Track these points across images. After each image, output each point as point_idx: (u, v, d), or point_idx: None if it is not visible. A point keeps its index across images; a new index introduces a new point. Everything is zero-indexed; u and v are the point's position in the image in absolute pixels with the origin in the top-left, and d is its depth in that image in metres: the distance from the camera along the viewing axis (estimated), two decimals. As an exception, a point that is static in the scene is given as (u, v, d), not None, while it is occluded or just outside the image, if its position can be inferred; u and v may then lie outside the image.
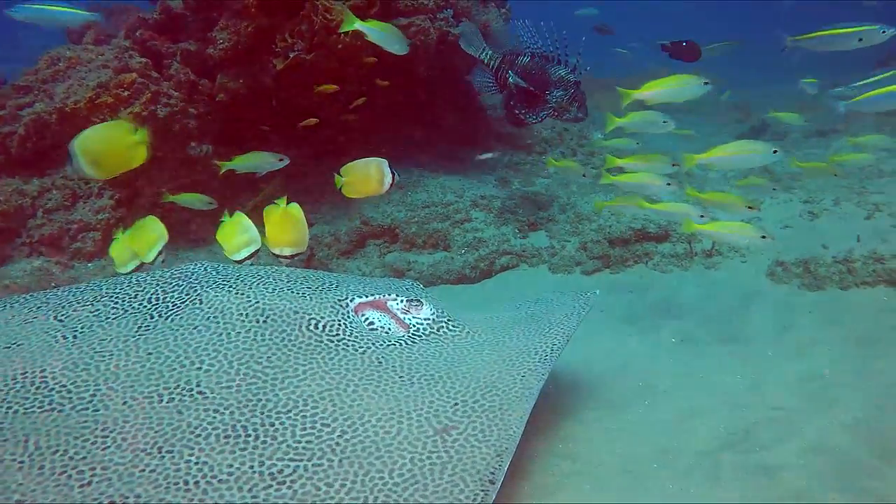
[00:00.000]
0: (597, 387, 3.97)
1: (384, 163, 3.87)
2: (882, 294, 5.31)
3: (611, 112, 5.82)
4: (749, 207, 4.98)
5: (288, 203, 3.66)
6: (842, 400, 3.61)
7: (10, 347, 2.87)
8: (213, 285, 3.25)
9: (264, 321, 3.01)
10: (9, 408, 2.54)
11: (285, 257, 3.64)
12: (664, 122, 5.50)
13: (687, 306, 5.42)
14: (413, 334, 3.21)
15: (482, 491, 2.33)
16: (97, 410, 2.55)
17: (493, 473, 2.42)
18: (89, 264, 5.68)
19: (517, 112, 6.89)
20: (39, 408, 2.55)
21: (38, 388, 2.63)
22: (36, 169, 6.00)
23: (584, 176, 6.46)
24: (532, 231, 7.17)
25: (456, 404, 2.73)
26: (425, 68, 7.40)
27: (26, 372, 2.71)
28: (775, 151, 4.65)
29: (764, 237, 4.50)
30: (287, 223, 3.59)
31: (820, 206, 7.13)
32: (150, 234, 3.71)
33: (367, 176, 3.85)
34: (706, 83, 4.98)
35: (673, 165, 5.41)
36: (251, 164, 5.04)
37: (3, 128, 5.94)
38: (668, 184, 5.20)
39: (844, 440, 3.16)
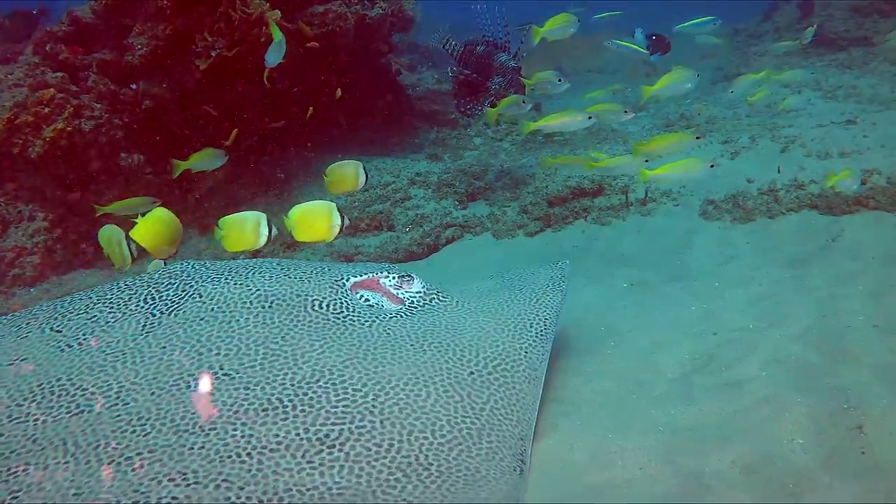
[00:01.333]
0: (564, 336, 4.15)
1: (332, 207, 3.78)
2: (807, 217, 5.69)
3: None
4: (697, 137, 5.32)
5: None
6: (789, 315, 3.91)
7: (13, 364, 2.86)
8: (209, 279, 3.27)
9: (269, 306, 3.06)
10: (35, 420, 2.53)
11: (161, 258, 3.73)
12: (559, 80, 6.05)
13: (631, 253, 5.68)
14: (409, 307, 3.31)
15: (518, 461, 2.47)
16: (127, 404, 2.56)
17: (522, 441, 2.56)
18: (31, 290, 5.53)
19: (462, 107, 7.11)
20: (67, 413, 2.55)
21: (59, 396, 2.63)
22: (-41, 198, 5.78)
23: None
24: (471, 202, 7.33)
25: (472, 373, 2.85)
26: (345, 54, 7.42)
27: (42, 384, 2.69)
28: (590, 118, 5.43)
29: (712, 165, 4.78)
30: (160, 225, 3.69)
31: (738, 144, 7.51)
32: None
33: (315, 220, 3.83)
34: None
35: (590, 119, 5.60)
36: (202, 162, 5.04)
37: (-84, 161, 5.69)
38: (590, 117, 5.51)
39: (797, 349, 3.44)
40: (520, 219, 6.77)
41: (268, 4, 5.79)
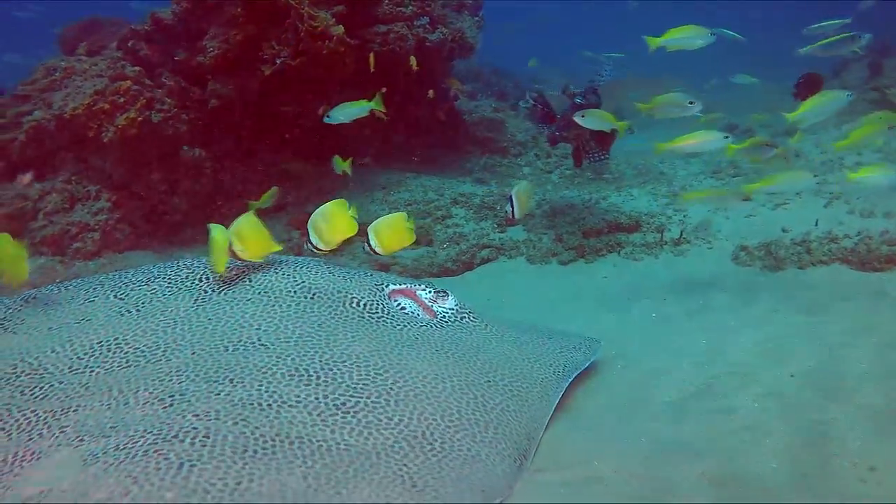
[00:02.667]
0: (574, 355, 4.30)
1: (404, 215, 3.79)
2: (837, 271, 5.72)
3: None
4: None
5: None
6: (794, 357, 3.99)
7: (80, 323, 3.23)
8: (259, 268, 3.59)
9: (311, 297, 3.36)
10: (91, 371, 2.87)
11: (317, 249, 3.71)
12: (690, 103, 5.40)
13: (656, 288, 5.79)
14: (440, 320, 3.56)
15: (520, 455, 2.66)
16: (169, 360, 2.88)
17: (528, 441, 2.76)
18: (90, 263, 5.94)
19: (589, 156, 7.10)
20: (118, 366, 2.88)
21: (114, 353, 2.98)
22: (35, 173, 6.25)
23: (690, 104, 5.42)
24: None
25: (489, 382, 3.07)
26: (404, 74, 7.77)
27: (101, 341, 3.05)
28: (727, 137, 5.03)
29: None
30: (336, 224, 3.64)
31: (782, 196, 7.56)
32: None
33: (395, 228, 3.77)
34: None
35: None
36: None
37: (5, 135, 6.20)
38: (726, 136, 5.15)
39: (793, 386, 3.53)
40: (554, 247, 6.95)
41: (333, 20, 6.16)
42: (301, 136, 7.09)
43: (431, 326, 3.49)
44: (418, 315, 3.57)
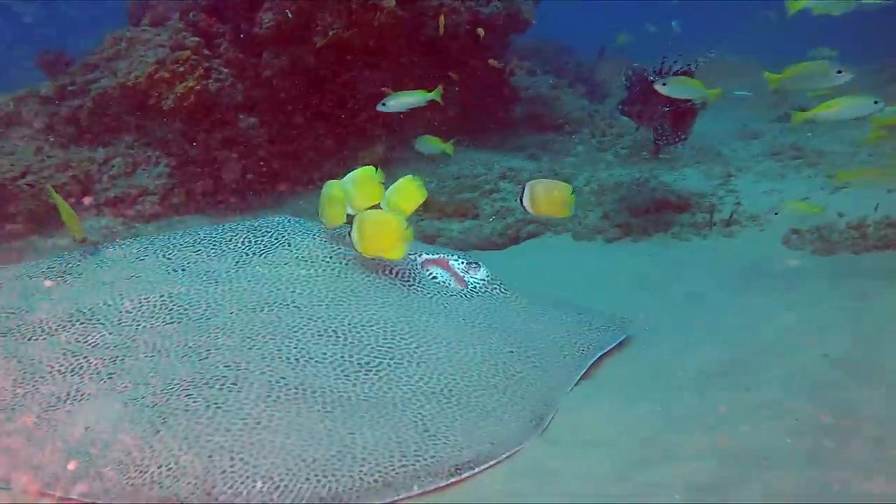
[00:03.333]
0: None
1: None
2: (891, 257, 5.55)
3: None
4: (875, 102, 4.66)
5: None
6: (830, 340, 3.90)
7: (130, 279, 3.45)
8: (299, 233, 3.75)
9: (346, 264, 3.52)
10: (138, 324, 3.08)
11: None
12: (839, 72, 4.68)
13: (700, 268, 5.73)
14: (471, 290, 3.65)
15: (537, 417, 2.74)
16: (209, 318, 3.08)
17: (546, 407, 2.83)
18: (149, 225, 6.23)
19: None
20: (163, 322, 3.10)
21: (159, 308, 3.19)
22: (101, 139, 6.57)
23: (839, 73, 4.68)
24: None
25: (511, 352, 3.16)
26: (458, 48, 7.79)
27: (149, 297, 3.27)
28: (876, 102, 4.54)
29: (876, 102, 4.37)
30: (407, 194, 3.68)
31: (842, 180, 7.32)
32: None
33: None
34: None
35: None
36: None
37: (74, 101, 6.52)
38: (876, 101, 4.59)
39: (824, 366, 3.47)
40: (601, 224, 6.92)
41: (385, -8, 6.24)
42: (353, 108, 7.22)
43: (461, 296, 3.58)
44: (449, 284, 3.66)
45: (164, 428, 2.30)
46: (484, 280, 3.78)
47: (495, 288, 3.76)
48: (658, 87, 5.43)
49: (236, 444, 2.22)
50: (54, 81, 6.60)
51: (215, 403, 2.42)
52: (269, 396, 2.49)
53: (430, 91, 5.70)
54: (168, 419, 2.35)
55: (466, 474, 2.31)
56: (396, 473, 2.18)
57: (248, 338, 2.89)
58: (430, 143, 6.04)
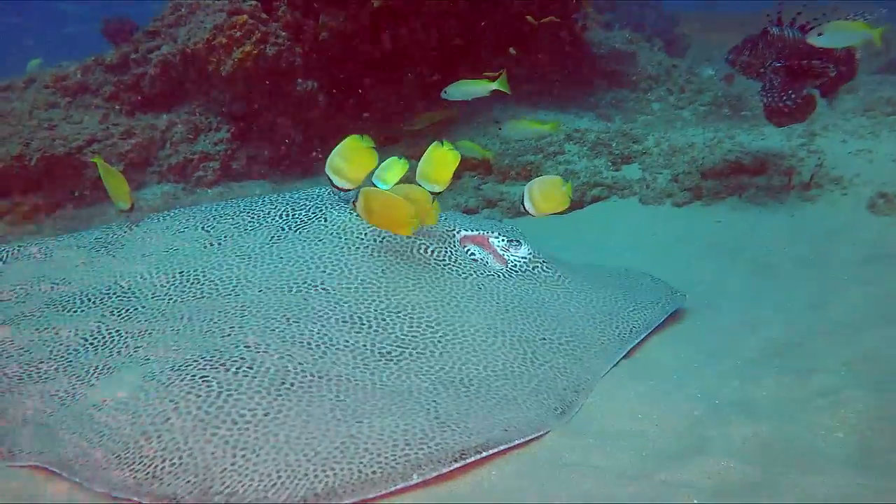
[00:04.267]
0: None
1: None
2: None
3: None
4: None
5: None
6: (908, 319, 3.59)
7: (168, 252, 3.49)
8: (337, 206, 3.68)
9: (380, 241, 3.42)
10: (170, 298, 3.11)
11: (433, 193, 3.54)
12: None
13: (772, 236, 5.37)
14: (510, 269, 3.51)
15: (563, 405, 2.61)
16: (238, 295, 3.06)
17: (573, 394, 2.69)
18: (209, 190, 6.31)
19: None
20: (193, 297, 3.10)
21: (191, 283, 3.20)
22: (164, 105, 6.67)
23: None
24: (625, 164, 7.21)
25: (543, 339, 3.01)
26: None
27: (183, 271, 3.29)
28: None
29: None
30: (440, 161, 3.57)
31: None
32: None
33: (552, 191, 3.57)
34: None
35: None
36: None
37: (137, 69, 6.63)
38: None
39: (894, 352, 3.18)
40: (670, 187, 6.59)
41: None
42: (413, 69, 7.08)
43: (498, 276, 3.43)
44: (488, 262, 3.51)
45: (174, 415, 2.29)
46: (525, 258, 3.60)
47: (537, 266, 3.58)
48: (813, 39, 4.80)
49: (241, 439, 2.18)
50: (118, 49, 6.72)
51: (227, 390, 2.39)
52: (284, 383, 2.44)
53: (492, 80, 5.44)
54: (180, 405, 2.33)
55: (473, 458, 2.20)
56: (397, 463, 2.10)
57: (273, 319, 2.85)
58: (468, 86, 5.63)
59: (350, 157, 3.33)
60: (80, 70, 6.52)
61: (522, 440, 2.36)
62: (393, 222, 3.18)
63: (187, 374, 2.48)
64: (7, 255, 3.59)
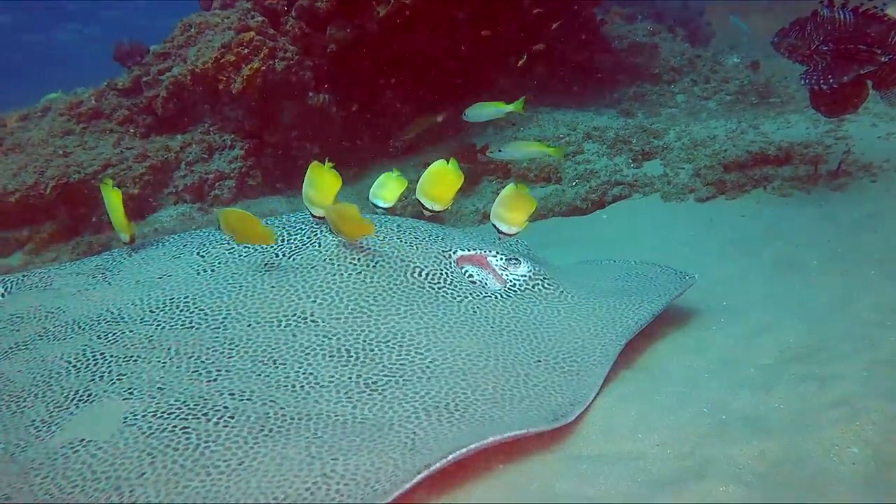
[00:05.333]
0: (681, 307, 3.96)
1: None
2: None
3: None
4: None
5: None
6: (938, 318, 3.38)
7: (162, 278, 3.45)
8: (332, 231, 3.62)
9: (374, 266, 3.34)
10: (158, 325, 3.06)
11: (432, 212, 3.65)
12: None
13: (798, 228, 5.15)
14: (508, 289, 3.41)
15: (555, 416, 2.51)
16: (226, 329, 2.99)
17: (566, 410, 2.59)
18: (226, 209, 6.33)
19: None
20: (181, 325, 3.04)
21: (181, 311, 3.14)
22: (178, 126, 6.71)
23: None
24: (646, 160, 7.04)
25: (538, 361, 2.90)
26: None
27: (174, 298, 3.24)
28: None
29: None
30: (442, 180, 3.58)
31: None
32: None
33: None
34: None
35: None
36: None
37: (150, 91, 6.69)
38: None
39: (920, 354, 2.99)
40: (692, 182, 6.40)
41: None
42: (426, 77, 7.00)
43: (495, 297, 3.32)
44: (486, 283, 3.41)
45: (150, 469, 2.23)
46: (525, 276, 3.49)
47: (537, 284, 3.46)
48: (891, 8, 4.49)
49: (212, 490, 2.12)
50: (129, 73, 6.79)
51: (206, 441, 2.33)
52: (262, 430, 2.37)
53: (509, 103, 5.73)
54: (157, 459, 2.28)
55: (437, 466, 2.10)
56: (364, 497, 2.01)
57: (261, 361, 2.78)
58: (486, 108, 5.79)
59: (316, 184, 3.34)
60: (94, 96, 6.60)
61: (499, 438, 2.25)
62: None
63: (169, 425, 2.42)
64: (11, 286, 3.60)
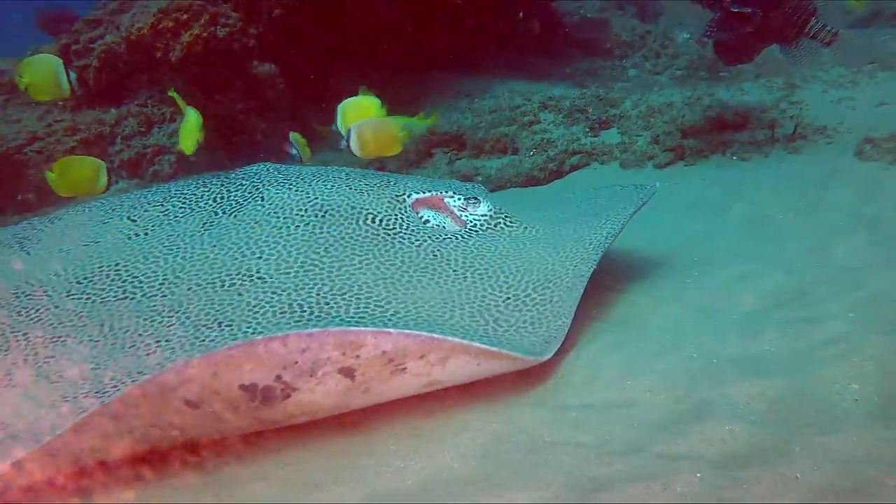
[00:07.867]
0: (653, 263, 3.83)
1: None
2: None
3: None
4: None
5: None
6: (913, 260, 3.31)
7: (87, 245, 3.10)
8: (275, 183, 3.34)
9: (322, 216, 3.08)
10: (87, 298, 2.74)
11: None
12: None
13: (760, 188, 5.09)
14: (469, 230, 3.20)
15: (530, 353, 2.33)
16: (164, 296, 2.70)
17: (544, 345, 2.41)
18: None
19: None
20: (114, 297, 2.73)
21: (112, 280, 2.82)
22: (112, 99, 6.29)
23: None
24: (604, 129, 6.91)
25: (508, 298, 2.72)
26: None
27: (102, 267, 2.91)
28: None
29: None
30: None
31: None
32: None
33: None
34: None
35: None
36: None
37: (79, 62, 6.25)
38: None
39: (906, 293, 2.90)
40: (650, 149, 6.29)
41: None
42: (378, 45, 6.74)
43: (456, 239, 3.11)
44: (444, 226, 3.20)
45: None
46: (486, 216, 3.28)
47: (499, 222, 3.26)
48: None
49: None
50: (57, 41, 6.33)
51: None
52: None
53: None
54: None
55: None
56: None
57: (203, 326, 2.50)
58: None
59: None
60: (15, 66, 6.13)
61: (455, 340, 2.07)
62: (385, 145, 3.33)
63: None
64: None
